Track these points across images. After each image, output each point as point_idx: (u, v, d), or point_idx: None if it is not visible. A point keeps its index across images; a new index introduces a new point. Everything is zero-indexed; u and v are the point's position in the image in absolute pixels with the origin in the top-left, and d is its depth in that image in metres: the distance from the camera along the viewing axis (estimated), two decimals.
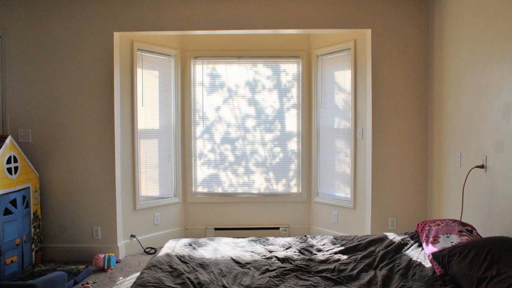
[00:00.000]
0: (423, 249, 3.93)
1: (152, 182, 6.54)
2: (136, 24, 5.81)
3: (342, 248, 4.12)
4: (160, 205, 6.59)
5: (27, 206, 5.38)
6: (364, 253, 3.98)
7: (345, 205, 6.39)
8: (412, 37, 5.78)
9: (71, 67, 5.80)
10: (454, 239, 3.59)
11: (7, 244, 4.95)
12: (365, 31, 5.90)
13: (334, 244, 4.27)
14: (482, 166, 4.24)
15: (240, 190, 7.00)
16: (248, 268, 3.69)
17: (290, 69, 6.89)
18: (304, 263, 3.80)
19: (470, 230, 3.82)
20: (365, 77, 5.99)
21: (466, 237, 3.59)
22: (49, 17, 5.77)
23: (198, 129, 6.92)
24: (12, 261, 5.01)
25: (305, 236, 4.55)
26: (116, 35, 5.86)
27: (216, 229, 6.86)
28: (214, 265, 3.74)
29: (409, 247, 4.03)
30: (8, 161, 5.09)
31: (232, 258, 3.91)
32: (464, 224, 3.88)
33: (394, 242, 4.11)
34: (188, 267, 3.68)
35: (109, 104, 5.83)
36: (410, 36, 5.78)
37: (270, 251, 4.11)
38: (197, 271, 3.60)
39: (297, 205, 6.99)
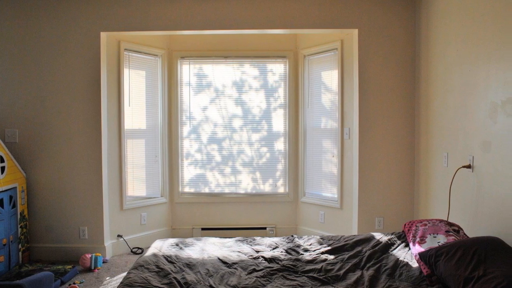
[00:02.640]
0: (410, 249, 3.95)
1: (138, 182, 6.50)
2: (123, 24, 5.78)
3: (329, 248, 4.13)
4: (147, 205, 6.56)
5: (14, 206, 5.33)
6: (351, 253, 3.99)
7: (332, 205, 6.40)
8: (399, 37, 5.80)
9: (57, 67, 5.76)
10: (441, 239, 3.60)
11: None
12: (352, 31, 5.91)
13: (321, 244, 4.27)
14: (469, 166, 4.26)
15: (227, 190, 6.98)
16: (235, 268, 3.69)
17: (277, 69, 6.89)
18: (291, 263, 3.80)
19: (457, 230, 3.84)
20: (352, 77, 6.00)
21: (453, 237, 3.61)
22: (36, 17, 5.73)
23: (185, 129, 6.90)
24: None
25: (292, 236, 4.55)
26: (103, 35, 5.83)
27: (203, 229, 6.84)
28: (201, 265, 3.73)
29: (396, 247, 4.04)
30: None
31: (219, 258, 3.90)
32: (451, 224, 3.90)
33: (381, 242, 4.12)
34: (175, 267, 3.67)
35: (95, 104, 5.79)
36: (397, 36, 5.80)
37: (257, 251, 4.11)
38: (184, 271, 3.59)
39: (284, 205, 6.99)
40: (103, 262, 5.76)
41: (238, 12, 5.79)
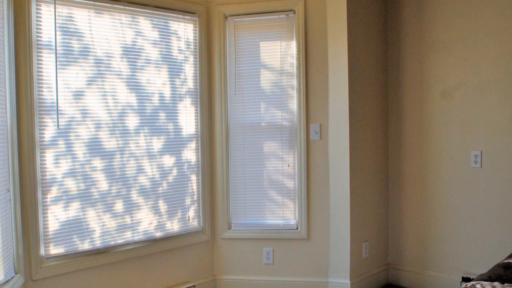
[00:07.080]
0: None
1: None
2: None
3: None
4: None
5: None
6: None
7: (288, 236, 4.43)
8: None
9: None
10: None
11: None
12: None
13: None
14: None
15: (120, 240, 3.93)
16: None
17: (184, 33, 4.32)
18: None
19: None
20: (325, 53, 4.30)
21: None
22: None
23: (48, 133, 3.56)
24: None
25: None
26: None
27: None
28: None
29: None
30: None
31: None
32: None
33: None
34: None
35: None
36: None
37: None
38: None
39: (199, 247, 4.45)
40: None
41: None
